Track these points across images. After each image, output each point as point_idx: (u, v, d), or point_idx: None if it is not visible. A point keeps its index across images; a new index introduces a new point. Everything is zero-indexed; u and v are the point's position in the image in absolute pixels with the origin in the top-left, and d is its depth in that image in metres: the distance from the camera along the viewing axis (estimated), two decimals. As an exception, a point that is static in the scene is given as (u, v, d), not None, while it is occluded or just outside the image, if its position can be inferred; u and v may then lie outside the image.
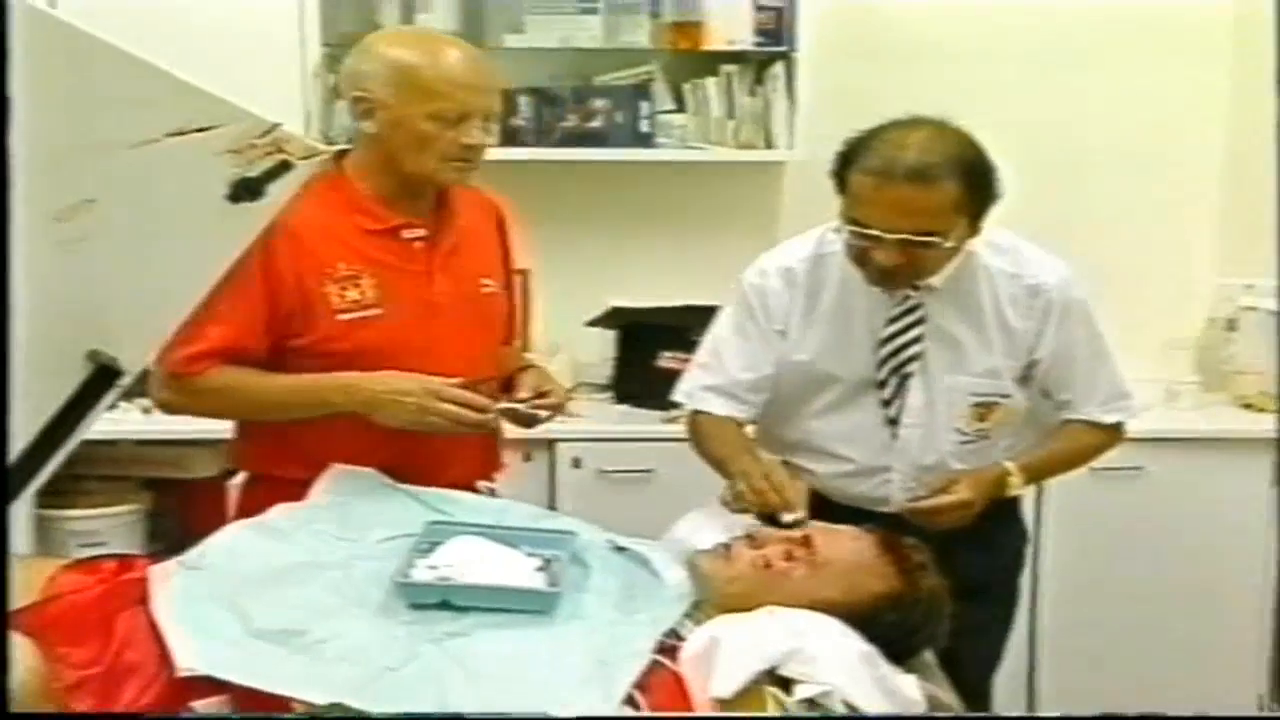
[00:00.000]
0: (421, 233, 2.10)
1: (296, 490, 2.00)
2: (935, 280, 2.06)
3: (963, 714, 1.87)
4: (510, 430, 2.24)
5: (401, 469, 2.04)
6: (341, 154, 2.14)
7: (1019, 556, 2.36)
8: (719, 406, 2.18)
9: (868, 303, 2.10)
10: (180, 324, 1.27)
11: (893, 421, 2.14)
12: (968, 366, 2.11)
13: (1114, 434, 2.24)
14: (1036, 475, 2.18)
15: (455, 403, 2.00)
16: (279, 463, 2.10)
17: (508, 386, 2.21)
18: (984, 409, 2.13)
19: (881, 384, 2.13)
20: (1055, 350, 2.13)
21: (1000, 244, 2.11)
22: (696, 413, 2.21)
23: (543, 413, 2.16)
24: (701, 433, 2.19)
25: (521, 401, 2.14)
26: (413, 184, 2.08)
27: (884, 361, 2.11)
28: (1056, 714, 3.30)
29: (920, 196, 1.92)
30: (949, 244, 1.97)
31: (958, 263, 2.06)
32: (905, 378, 2.11)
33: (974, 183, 1.97)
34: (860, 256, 2.01)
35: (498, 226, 2.26)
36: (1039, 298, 2.11)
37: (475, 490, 2.17)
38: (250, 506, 2.01)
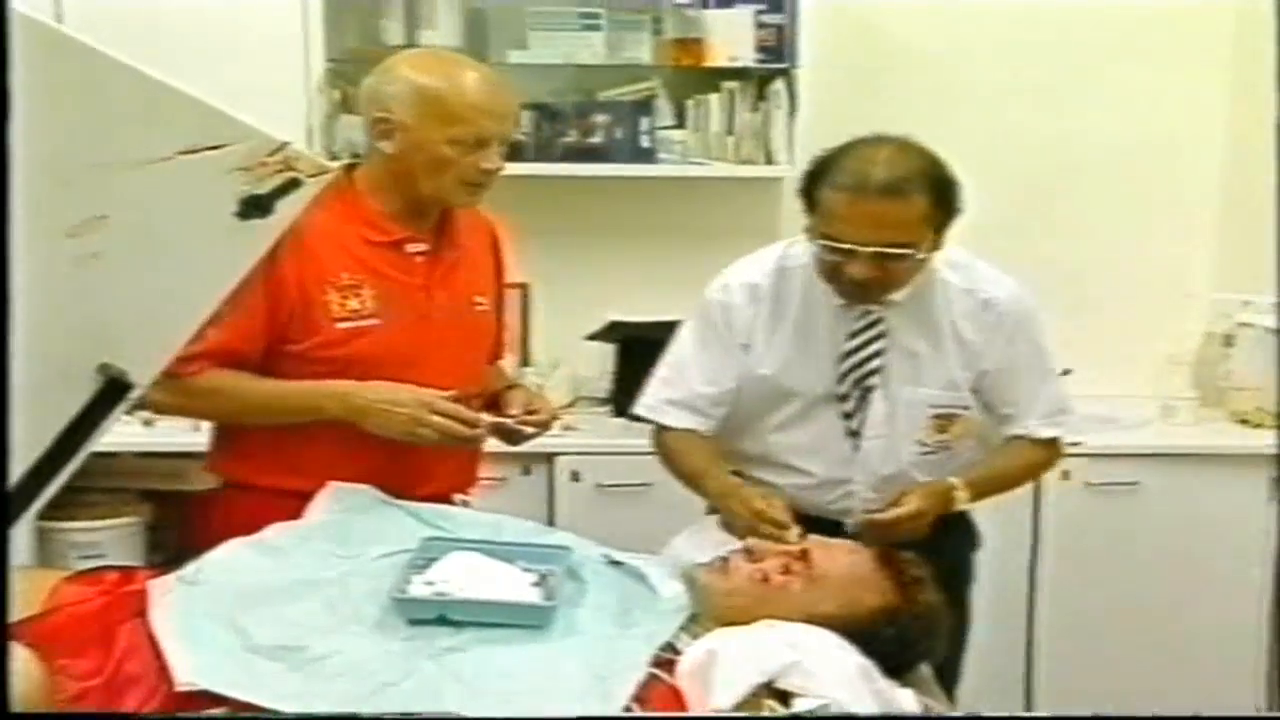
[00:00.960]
0: (424, 247, 2.13)
1: (279, 500, 2.01)
2: (897, 295, 2.10)
3: (956, 714, 1.88)
4: (500, 445, 2.24)
5: (382, 480, 2.05)
6: (352, 165, 2.16)
7: (967, 564, 2.37)
8: (681, 419, 2.20)
9: (830, 318, 2.14)
10: (190, 334, 1.28)
11: (854, 434, 2.17)
12: (927, 379, 2.16)
13: (1053, 450, 2.27)
14: (982, 491, 2.18)
15: (446, 416, 2.02)
16: (261, 472, 2.11)
17: (493, 404, 2.22)
18: (944, 420, 2.18)
19: (843, 397, 2.16)
20: (1000, 362, 2.17)
21: (956, 260, 2.15)
22: (662, 428, 2.23)
23: (529, 429, 2.18)
24: (670, 449, 2.22)
25: (511, 417, 2.16)
26: (424, 203, 2.10)
27: (845, 375, 2.15)
28: (1044, 714, 3.30)
29: (893, 210, 1.97)
30: (920, 256, 2.02)
31: (917, 278, 2.10)
32: (867, 391, 2.15)
33: (941, 196, 2.01)
34: (832, 272, 2.04)
35: (492, 245, 2.29)
36: (990, 311, 2.16)
37: (451, 503, 2.18)
38: (233, 517, 2.01)
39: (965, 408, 2.18)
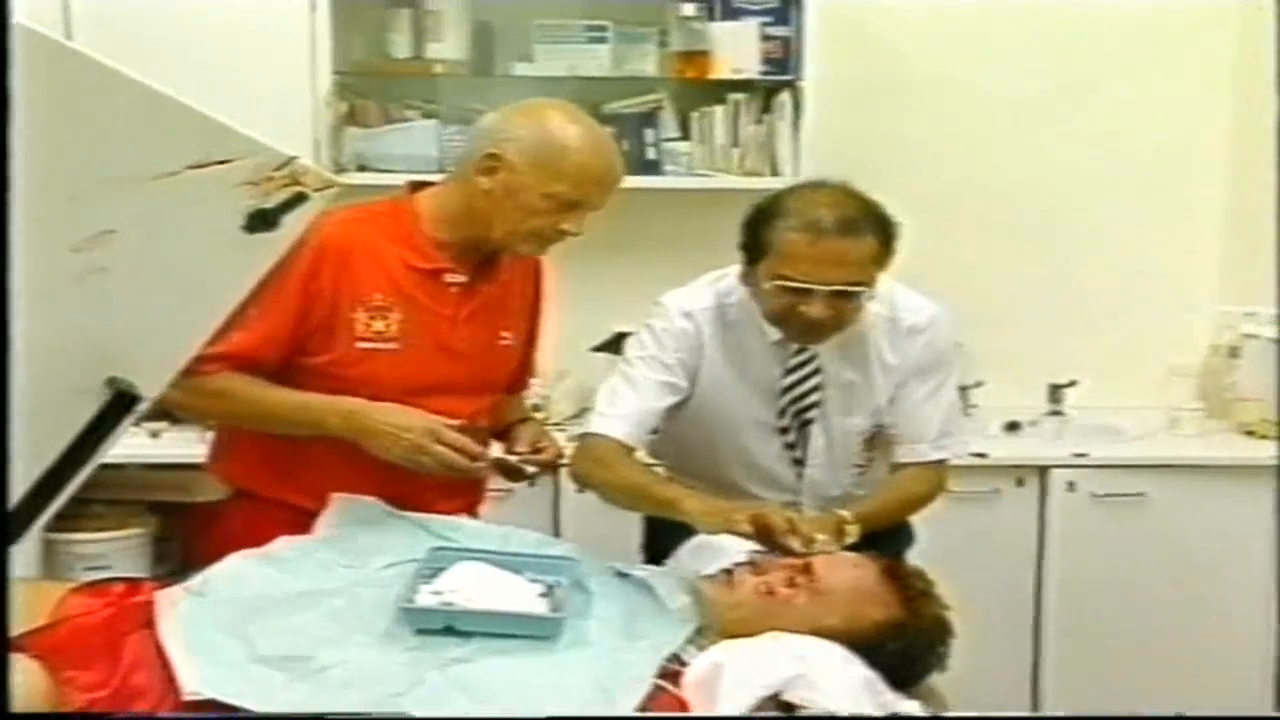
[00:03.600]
0: (462, 279, 2.11)
1: (282, 511, 2.02)
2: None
3: (960, 715, 1.88)
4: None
5: (386, 500, 2.04)
6: (417, 186, 2.15)
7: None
8: (624, 433, 2.16)
9: (765, 354, 2.18)
10: (197, 347, 1.28)
11: (799, 462, 2.23)
12: (859, 408, 2.21)
13: (939, 472, 2.27)
14: (871, 524, 2.11)
15: (451, 446, 2.00)
16: (261, 481, 2.11)
17: (503, 436, 2.22)
18: (871, 440, 2.24)
19: (784, 430, 2.22)
20: (912, 385, 2.21)
21: (878, 291, 2.14)
22: (595, 440, 2.17)
23: (531, 468, 2.17)
24: (601, 460, 2.15)
25: (515, 455, 2.15)
26: (485, 242, 2.09)
27: (785, 410, 2.20)
28: (1022, 714, 3.29)
29: (852, 248, 2.01)
30: (869, 295, 2.06)
31: None
32: (806, 424, 2.21)
33: (887, 235, 2.05)
34: (786, 313, 2.06)
35: (534, 277, 2.27)
36: (913, 337, 2.20)
37: None
38: (239, 528, 2.02)
39: (885, 425, 2.24)
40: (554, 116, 2.04)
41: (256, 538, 1.94)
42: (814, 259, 2.00)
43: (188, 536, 3.08)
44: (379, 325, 2.05)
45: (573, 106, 2.11)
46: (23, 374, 0.90)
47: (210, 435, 2.30)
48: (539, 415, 3.18)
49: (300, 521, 2.00)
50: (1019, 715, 3.06)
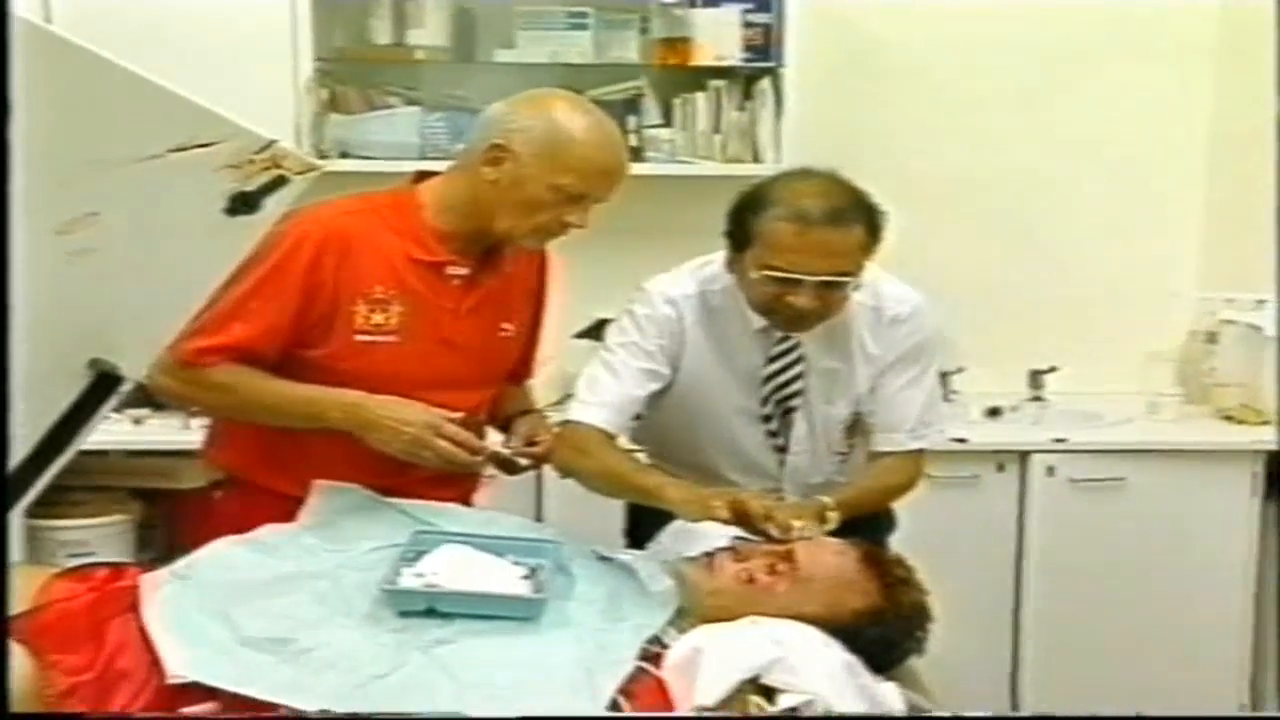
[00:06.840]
0: (464, 272, 2.09)
1: (274, 501, 2.01)
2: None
3: (948, 715, 1.90)
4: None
5: (381, 491, 2.05)
6: (421, 176, 2.14)
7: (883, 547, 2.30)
8: (605, 421, 2.16)
9: (748, 341, 2.18)
10: (179, 328, 1.29)
11: (781, 450, 2.23)
12: (840, 396, 2.21)
13: (916, 461, 2.27)
14: (848, 512, 2.09)
15: (452, 441, 2.00)
16: (258, 469, 2.11)
17: (506, 427, 2.22)
18: (852, 427, 2.24)
19: (767, 417, 2.22)
20: (893, 375, 2.21)
21: (863, 280, 2.14)
22: (576, 428, 2.16)
23: (523, 460, 2.17)
24: (583, 449, 2.15)
25: (509, 448, 2.16)
26: (488, 234, 2.07)
27: (767, 398, 2.20)
28: (1029, 714, 3.32)
29: (840, 238, 2.00)
30: (855, 284, 2.06)
31: None
32: (789, 411, 2.21)
33: (873, 224, 2.05)
34: (773, 302, 2.06)
35: (539, 268, 2.25)
36: (896, 328, 2.20)
37: None
38: (228, 516, 2.03)
39: (863, 413, 2.23)
40: (561, 107, 2.03)
41: (251, 525, 1.94)
42: (802, 249, 2.00)
43: (171, 523, 3.09)
44: (378, 318, 2.04)
45: (580, 98, 2.10)
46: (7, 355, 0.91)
47: (196, 423, 2.30)
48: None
49: (295, 511, 2.00)
50: (1002, 716, 3.08)
